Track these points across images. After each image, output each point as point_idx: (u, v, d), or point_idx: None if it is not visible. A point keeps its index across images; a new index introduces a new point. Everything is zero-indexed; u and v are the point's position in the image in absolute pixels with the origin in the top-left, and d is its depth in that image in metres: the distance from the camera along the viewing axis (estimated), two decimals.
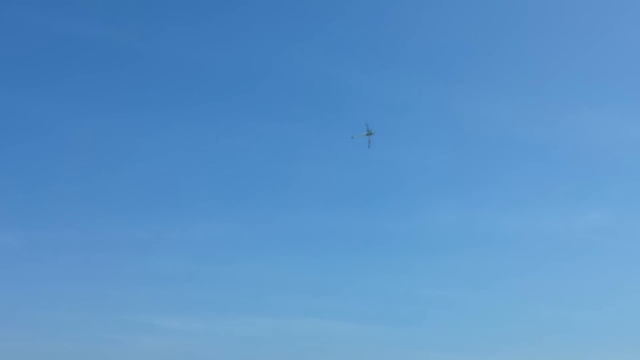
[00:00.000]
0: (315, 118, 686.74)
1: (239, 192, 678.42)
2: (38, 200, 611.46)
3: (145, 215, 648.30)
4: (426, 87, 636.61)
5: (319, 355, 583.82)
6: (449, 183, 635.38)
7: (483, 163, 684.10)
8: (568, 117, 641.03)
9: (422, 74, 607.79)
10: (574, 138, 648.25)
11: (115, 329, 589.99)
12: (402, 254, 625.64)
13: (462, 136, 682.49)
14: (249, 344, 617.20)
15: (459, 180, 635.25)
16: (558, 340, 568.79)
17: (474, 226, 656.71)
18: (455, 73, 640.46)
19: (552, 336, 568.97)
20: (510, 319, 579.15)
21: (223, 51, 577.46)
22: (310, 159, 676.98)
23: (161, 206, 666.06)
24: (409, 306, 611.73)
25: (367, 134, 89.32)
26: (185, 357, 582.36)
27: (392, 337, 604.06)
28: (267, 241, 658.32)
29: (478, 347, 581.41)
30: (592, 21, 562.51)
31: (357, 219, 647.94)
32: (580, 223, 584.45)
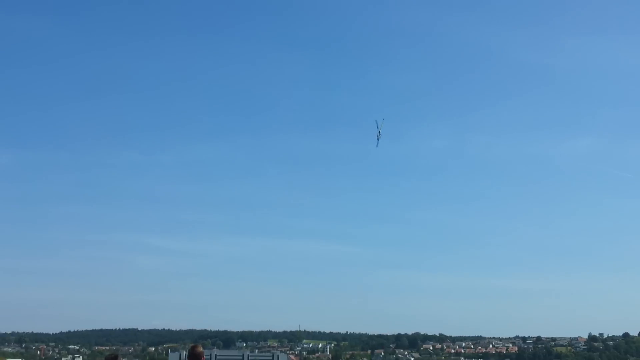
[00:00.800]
0: (309, 46, 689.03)
1: (233, 115, 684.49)
2: (31, 121, 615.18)
3: (139, 137, 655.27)
4: (420, 13, 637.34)
5: (308, 276, 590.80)
6: (440, 108, 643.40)
7: (475, 88, 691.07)
8: (564, 44, 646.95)
9: (417, 0, 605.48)
10: (568, 64, 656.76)
11: (110, 248, 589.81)
12: (392, 177, 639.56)
13: (455, 62, 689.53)
14: (241, 263, 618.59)
15: (450, 105, 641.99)
16: (544, 261, 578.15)
17: (464, 150, 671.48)
18: (450, 0, 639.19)
19: (538, 257, 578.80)
20: (499, 241, 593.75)
21: None
22: (301, 84, 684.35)
23: (155, 129, 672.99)
24: (399, 228, 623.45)
25: (378, 133, 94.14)
26: (178, 276, 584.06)
27: (381, 258, 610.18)
28: (260, 164, 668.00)
29: (465, 266, 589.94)
30: None
31: (349, 143, 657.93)
32: (570, 148, 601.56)
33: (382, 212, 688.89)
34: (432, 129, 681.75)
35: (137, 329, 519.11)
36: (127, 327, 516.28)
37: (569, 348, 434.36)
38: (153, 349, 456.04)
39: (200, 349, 9.45)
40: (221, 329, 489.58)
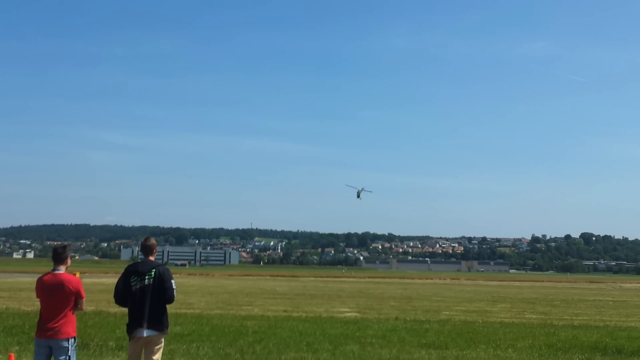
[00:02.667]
0: None
1: (188, 9, 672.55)
2: None
3: (93, 30, 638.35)
4: None
5: (266, 174, 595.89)
6: (401, 7, 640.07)
7: None
8: None
9: None
10: None
11: (65, 143, 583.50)
12: (349, 76, 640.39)
13: None
14: (195, 160, 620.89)
15: (411, 5, 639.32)
16: (492, 163, 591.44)
17: (423, 50, 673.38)
18: None
19: (488, 158, 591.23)
20: (451, 142, 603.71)
21: None
22: None
23: (109, 21, 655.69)
24: (353, 127, 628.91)
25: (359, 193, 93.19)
26: (131, 172, 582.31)
27: (336, 156, 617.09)
28: (216, 59, 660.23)
29: (415, 167, 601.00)
30: None
31: (309, 40, 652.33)
32: (525, 51, 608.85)
33: (337, 111, 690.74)
34: (393, 29, 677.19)
35: (89, 225, 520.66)
36: (79, 223, 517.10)
37: (512, 248, 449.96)
38: (105, 244, 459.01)
39: (153, 240, 9.79)
40: (174, 225, 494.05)
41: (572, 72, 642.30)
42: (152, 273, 10.43)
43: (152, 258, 10.78)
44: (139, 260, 10.95)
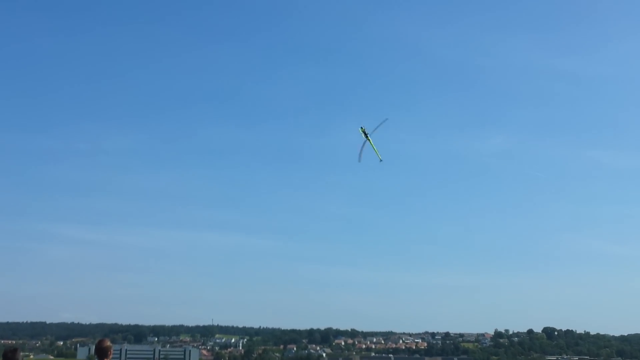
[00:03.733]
0: (236, 36, 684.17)
1: (151, 104, 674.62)
2: None
3: (55, 124, 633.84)
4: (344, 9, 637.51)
5: (227, 268, 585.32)
6: (360, 104, 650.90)
7: (394, 84, 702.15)
8: (479, 41, 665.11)
9: None
10: (483, 62, 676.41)
11: (21, 237, 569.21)
12: (313, 171, 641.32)
13: (374, 57, 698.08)
14: (155, 256, 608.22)
15: (370, 102, 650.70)
16: (457, 257, 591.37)
17: (382, 144, 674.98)
18: None
19: (451, 253, 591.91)
20: (413, 237, 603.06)
21: None
22: (226, 75, 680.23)
23: (72, 116, 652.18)
24: (318, 222, 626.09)
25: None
26: (89, 268, 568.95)
27: (300, 252, 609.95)
28: (178, 154, 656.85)
29: (377, 262, 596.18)
30: None
31: (271, 135, 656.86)
32: (483, 146, 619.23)
33: (299, 206, 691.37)
34: (352, 124, 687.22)
35: (45, 322, 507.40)
36: (35, 320, 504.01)
37: (476, 344, 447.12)
38: (61, 343, 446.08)
39: (108, 343, 9.72)
40: (132, 323, 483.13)
41: (529, 168, 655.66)
42: None
43: None
44: None
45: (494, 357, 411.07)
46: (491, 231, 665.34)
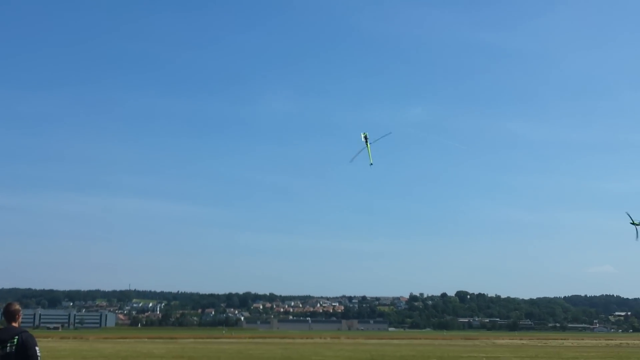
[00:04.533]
0: (164, 3, 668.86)
1: (73, 69, 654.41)
2: None
3: None
4: None
5: (144, 234, 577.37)
6: (286, 72, 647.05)
7: (319, 54, 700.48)
8: (404, 14, 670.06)
9: None
10: (405, 34, 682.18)
11: None
12: (237, 140, 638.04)
13: (299, 26, 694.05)
14: (71, 221, 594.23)
15: (295, 71, 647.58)
16: (374, 224, 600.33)
17: (307, 115, 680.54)
18: None
19: (369, 220, 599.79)
20: (332, 205, 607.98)
21: None
22: (151, 42, 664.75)
23: None
24: (238, 189, 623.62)
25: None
26: (4, 232, 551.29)
27: (219, 218, 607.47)
28: (100, 120, 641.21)
29: (296, 228, 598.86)
30: None
31: (195, 104, 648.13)
32: (404, 117, 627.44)
33: (219, 171, 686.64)
34: (278, 92, 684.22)
35: None
36: None
37: (392, 307, 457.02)
38: None
39: (17, 306, 9.31)
40: (47, 287, 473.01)
41: (448, 138, 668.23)
42: (15, 340, 10.09)
43: (15, 324, 10.43)
44: (2, 327, 10.57)
45: (408, 319, 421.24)
46: (409, 198, 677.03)
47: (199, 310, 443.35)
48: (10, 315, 10.51)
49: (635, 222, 57.70)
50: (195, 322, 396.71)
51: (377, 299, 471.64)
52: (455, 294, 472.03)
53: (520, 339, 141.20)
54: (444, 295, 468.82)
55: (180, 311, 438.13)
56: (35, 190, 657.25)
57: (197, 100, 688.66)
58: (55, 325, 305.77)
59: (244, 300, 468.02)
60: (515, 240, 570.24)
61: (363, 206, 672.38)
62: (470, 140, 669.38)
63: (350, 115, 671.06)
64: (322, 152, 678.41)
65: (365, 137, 69.00)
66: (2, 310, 10.73)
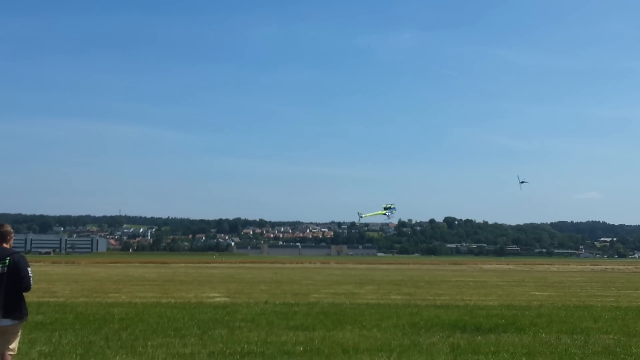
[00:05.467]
0: None
1: None
2: None
3: None
4: None
5: (135, 160, 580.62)
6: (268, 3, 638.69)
7: None
8: None
9: None
10: None
11: None
12: (221, 65, 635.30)
13: None
14: (61, 147, 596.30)
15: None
16: (364, 150, 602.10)
17: (292, 41, 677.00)
18: None
19: (359, 147, 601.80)
20: (324, 131, 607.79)
21: None
22: None
23: None
24: (229, 116, 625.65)
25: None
26: None
27: (210, 144, 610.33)
28: (89, 45, 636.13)
29: (286, 154, 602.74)
30: None
31: (181, 28, 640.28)
32: (393, 43, 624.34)
33: (208, 97, 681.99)
34: (260, 18, 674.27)
35: None
36: None
37: (380, 233, 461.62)
38: None
39: (9, 227, 9.27)
40: (37, 213, 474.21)
41: (437, 65, 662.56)
42: (7, 261, 10.01)
43: (6, 245, 10.34)
44: None
45: (397, 245, 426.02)
46: (398, 125, 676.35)
47: (190, 236, 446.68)
48: (2, 236, 10.40)
49: (523, 181, 71.60)
50: (186, 248, 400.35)
51: (366, 225, 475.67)
52: (444, 220, 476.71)
53: (507, 264, 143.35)
54: (432, 221, 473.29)
55: (171, 237, 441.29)
56: (25, 115, 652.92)
57: (190, 26, 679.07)
58: (47, 250, 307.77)
59: (234, 226, 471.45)
60: (504, 167, 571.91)
61: (352, 133, 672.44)
62: (460, 67, 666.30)
63: (337, 42, 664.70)
64: (311, 79, 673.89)
65: (386, 209, 65.32)
66: None
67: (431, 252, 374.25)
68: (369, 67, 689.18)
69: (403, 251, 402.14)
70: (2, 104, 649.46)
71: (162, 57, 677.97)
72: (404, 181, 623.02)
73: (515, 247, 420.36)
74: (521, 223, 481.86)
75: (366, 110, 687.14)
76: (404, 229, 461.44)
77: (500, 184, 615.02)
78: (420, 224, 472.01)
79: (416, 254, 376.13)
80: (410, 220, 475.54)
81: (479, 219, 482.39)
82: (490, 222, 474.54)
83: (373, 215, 66.67)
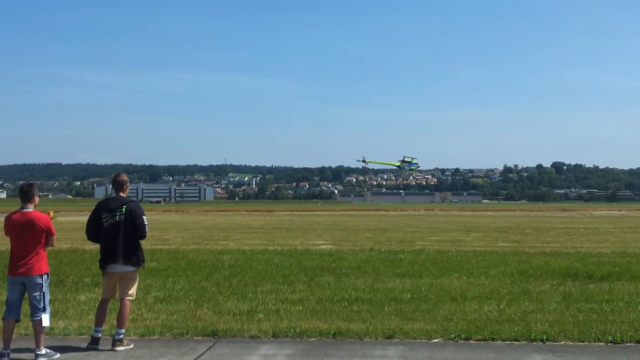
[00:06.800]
0: None
1: None
2: None
3: None
4: None
5: (239, 109, 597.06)
6: None
7: None
8: None
9: None
10: None
11: (33, 81, 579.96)
12: (326, 13, 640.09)
13: None
14: (166, 98, 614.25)
15: None
16: (467, 94, 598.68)
17: None
18: None
19: (461, 91, 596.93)
20: (424, 76, 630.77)
21: None
22: None
23: None
24: (329, 63, 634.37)
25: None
26: (102, 110, 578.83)
27: (311, 92, 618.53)
28: None
29: (391, 101, 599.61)
30: None
31: None
32: None
33: (310, 46, 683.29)
34: None
35: (61, 164, 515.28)
36: (51, 162, 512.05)
37: (485, 179, 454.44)
38: (78, 183, 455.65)
39: (125, 177, 9.74)
40: (147, 163, 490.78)
41: (546, 3, 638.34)
42: (123, 209, 10.33)
43: (123, 194, 10.66)
44: (111, 197, 10.85)
45: (502, 191, 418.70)
46: (502, 68, 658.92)
47: (294, 184, 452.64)
48: (119, 185, 10.76)
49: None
50: (290, 196, 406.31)
51: (471, 171, 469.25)
52: (552, 165, 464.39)
53: (619, 210, 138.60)
54: (539, 166, 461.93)
55: (275, 185, 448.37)
56: (131, 67, 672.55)
57: None
58: (158, 199, 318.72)
59: (337, 174, 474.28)
60: (615, 108, 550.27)
61: (455, 77, 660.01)
62: (571, 4, 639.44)
63: None
64: (409, 23, 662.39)
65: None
66: (112, 181, 10.99)
67: (538, 198, 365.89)
68: (478, 12, 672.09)
69: (509, 198, 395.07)
70: (113, 58, 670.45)
71: (260, 5, 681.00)
72: (509, 125, 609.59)
73: (628, 192, 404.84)
74: (634, 167, 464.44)
75: (469, 53, 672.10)
76: (510, 175, 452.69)
77: (612, 126, 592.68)
78: (527, 169, 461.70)
79: (523, 201, 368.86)
80: (516, 165, 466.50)
81: (588, 164, 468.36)
82: (601, 166, 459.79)
83: (381, 163, 68.68)
